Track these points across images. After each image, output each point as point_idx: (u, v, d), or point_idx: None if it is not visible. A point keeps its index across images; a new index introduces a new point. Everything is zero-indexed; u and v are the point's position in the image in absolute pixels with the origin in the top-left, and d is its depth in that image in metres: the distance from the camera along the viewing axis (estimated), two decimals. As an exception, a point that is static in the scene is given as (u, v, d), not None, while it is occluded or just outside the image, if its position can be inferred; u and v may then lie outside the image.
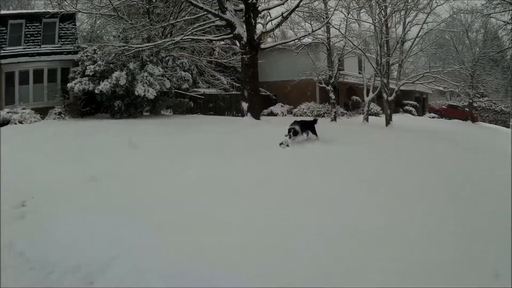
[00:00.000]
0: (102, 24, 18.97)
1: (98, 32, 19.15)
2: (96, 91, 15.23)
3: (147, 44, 15.51)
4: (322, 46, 18.74)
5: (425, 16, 19.13)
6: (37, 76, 17.41)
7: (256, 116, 15.34)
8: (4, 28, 18.08)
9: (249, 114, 15.26)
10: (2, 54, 17.42)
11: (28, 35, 17.97)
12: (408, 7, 19.26)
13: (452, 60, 26.65)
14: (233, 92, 18.24)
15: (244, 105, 15.36)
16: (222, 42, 18.93)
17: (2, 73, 17.38)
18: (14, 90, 17.29)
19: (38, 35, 17.96)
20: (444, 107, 32.68)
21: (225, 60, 18.70)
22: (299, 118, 10.43)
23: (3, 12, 20.99)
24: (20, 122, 15.17)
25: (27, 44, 17.82)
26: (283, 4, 17.10)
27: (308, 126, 9.29)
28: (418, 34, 19.71)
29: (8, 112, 15.39)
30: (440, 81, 23.56)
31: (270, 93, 21.24)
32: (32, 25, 18.12)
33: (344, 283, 3.15)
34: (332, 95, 17.50)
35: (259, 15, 16.86)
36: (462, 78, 27.24)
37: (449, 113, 30.37)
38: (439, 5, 18.70)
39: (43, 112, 16.06)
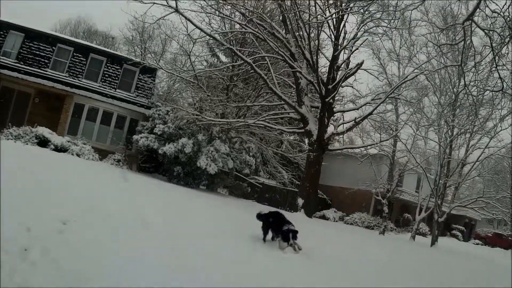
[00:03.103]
0: (180, 88, 20.58)
1: (174, 95, 20.74)
2: (160, 151, 16.46)
3: (220, 120, 16.87)
4: (385, 159, 19.80)
5: (488, 139, 20.07)
6: (106, 118, 18.91)
7: (309, 214, 16.23)
8: (84, 60, 19.80)
9: (302, 210, 16.15)
10: (77, 84, 18.99)
11: (106, 75, 19.65)
12: (474, 129, 20.31)
13: (505, 188, 27.25)
14: (291, 188, 19.30)
15: (300, 201, 16.31)
16: (291, 137, 20.24)
17: (72, 102, 18.90)
18: (80, 122, 18.72)
19: (116, 78, 19.61)
20: (489, 234, 33.65)
21: (290, 155, 19.91)
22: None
23: (86, 43, 23.04)
24: (78, 155, 16.30)
25: (103, 83, 19.44)
26: (357, 109, 18.43)
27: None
28: (478, 158, 20.54)
29: (68, 141, 16.58)
30: (490, 208, 24.15)
31: (327, 197, 22.41)
32: (113, 66, 19.86)
33: None
34: (386, 209, 18.37)
35: (332, 116, 18.13)
36: (513, 206, 27.69)
37: (493, 241, 31.03)
38: (504, 130, 19.64)
39: (102, 154, 17.33)
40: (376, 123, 18.77)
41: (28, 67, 18.61)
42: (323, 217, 20.26)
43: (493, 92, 19.33)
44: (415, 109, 19.24)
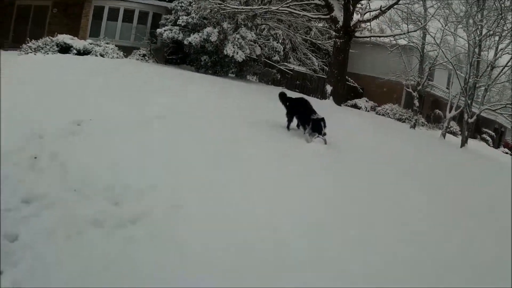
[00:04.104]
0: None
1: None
2: (185, 42, 16.51)
3: (244, 7, 16.76)
4: (416, 51, 19.62)
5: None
6: (127, 16, 18.97)
7: (338, 102, 16.30)
8: (99, -36, 19.65)
9: (331, 98, 16.23)
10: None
11: (125, -25, 19.49)
12: (503, 34, 19.93)
13: (535, 97, 27.08)
14: (321, 75, 19.29)
15: (328, 88, 16.37)
16: (320, 24, 20.05)
17: (91, 6, 18.95)
18: (101, 24, 18.81)
19: (135, -24, 19.44)
20: (516, 145, 33.32)
21: (320, 42, 19.82)
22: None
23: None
24: (101, 55, 16.39)
25: (123, -18, 19.32)
26: (384, -3, 18.10)
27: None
28: (508, 62, 20.23)
29: (90, 43, 16.66)
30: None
31: (358, 85, 22.32)
32: (130, -35, 19.64)
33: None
34: (416, 102, 18.36)
35: (358, 4, 17.92)
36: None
37: (520, 152, 30.85)
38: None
39: (127, 51, 17.41)
40: (404, 13, 18.50)
41: (41, -18, 18.61)
42: (355, 106, 20.35)
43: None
44: (443, 4, 18.93)
